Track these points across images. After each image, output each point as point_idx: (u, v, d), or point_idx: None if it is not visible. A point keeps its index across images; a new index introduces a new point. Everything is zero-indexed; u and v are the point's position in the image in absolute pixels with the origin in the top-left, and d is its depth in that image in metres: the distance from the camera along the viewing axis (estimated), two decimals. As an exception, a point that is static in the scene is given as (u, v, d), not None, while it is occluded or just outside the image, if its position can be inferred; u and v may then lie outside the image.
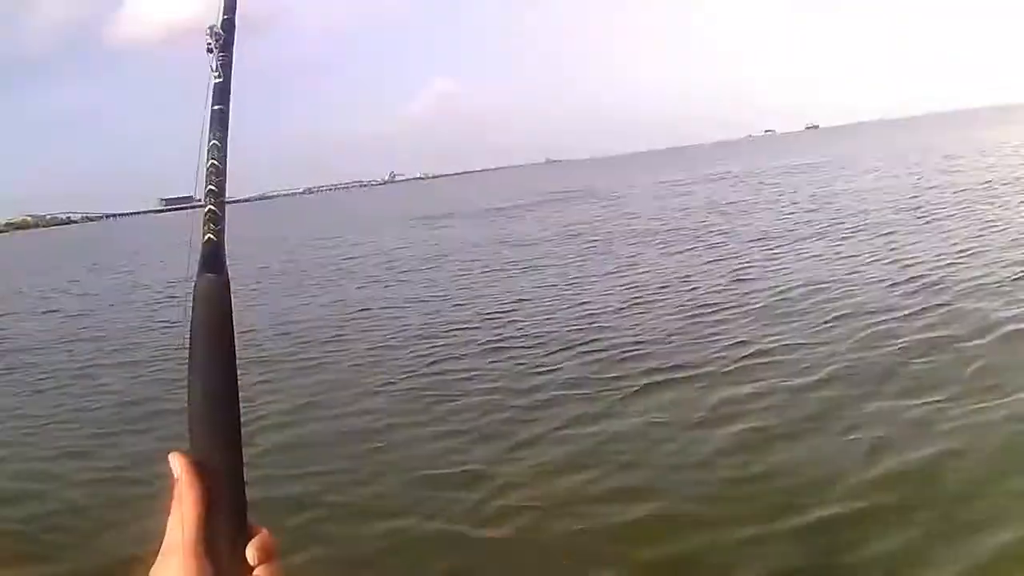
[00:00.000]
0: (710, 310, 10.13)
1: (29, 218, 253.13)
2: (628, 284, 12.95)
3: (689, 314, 10.08)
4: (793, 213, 20.86)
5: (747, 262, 13.69)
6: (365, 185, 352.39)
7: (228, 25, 1.13)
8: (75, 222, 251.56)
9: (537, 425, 6.60)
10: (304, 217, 65.16)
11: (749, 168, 49.52)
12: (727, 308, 10.09)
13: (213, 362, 0.90)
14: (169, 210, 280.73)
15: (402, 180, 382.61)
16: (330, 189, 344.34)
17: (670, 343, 8.82)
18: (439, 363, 9.08)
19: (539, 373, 8.12)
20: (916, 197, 20.46)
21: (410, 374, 8.74)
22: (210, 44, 1.10)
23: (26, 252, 62.94)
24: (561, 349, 9.01)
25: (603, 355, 8.56)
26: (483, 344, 9.76)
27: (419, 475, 5.80)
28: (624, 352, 8.57)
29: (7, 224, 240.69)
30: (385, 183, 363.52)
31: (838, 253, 13.35)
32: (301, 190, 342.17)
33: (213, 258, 0.94)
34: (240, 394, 0.90)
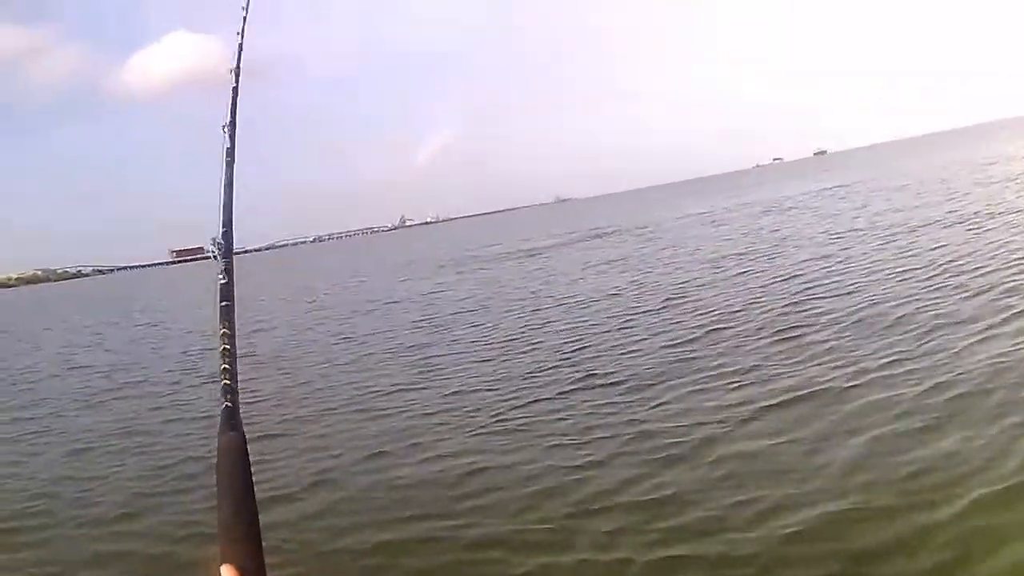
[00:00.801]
0: (805, 330, 10.52)
1: (39, 272, 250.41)
2: (708, 312, 13.10)
3: (781, 336, 10.42)
4: (845, 233, 21.17)
5: (815, 280, 14.19)
6: (376, 231, 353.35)
7: (227, 236, 1.57)
8: (86, 275, 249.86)
9: (674, 447, 6.89)
10: (328, 264, 64.65)
11: (775, 196, 49.47)
12: (819, 328, 10.46)
13: (236, 497, 1.17)
14: (179, 262, 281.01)
15: (412, 225, 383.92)
16: (339, 237, 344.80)
17: (778, 364, 9.11)
18: (527, 404, 9.11)
19: (650, 407, 8.17)
20: (955, 212, 20.92)
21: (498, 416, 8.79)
22: (213, 252, 1.51)
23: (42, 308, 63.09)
24: (658, 382, 9.12)
25: (712, 382, 8.86)
26: (573, 381, 9.81)
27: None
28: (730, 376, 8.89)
29: (17, 279, 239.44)
30: (395, 228, 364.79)
31: (904, 267, 13.83)
32: (311, 239, 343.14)
33: (230, 420, 1.23)
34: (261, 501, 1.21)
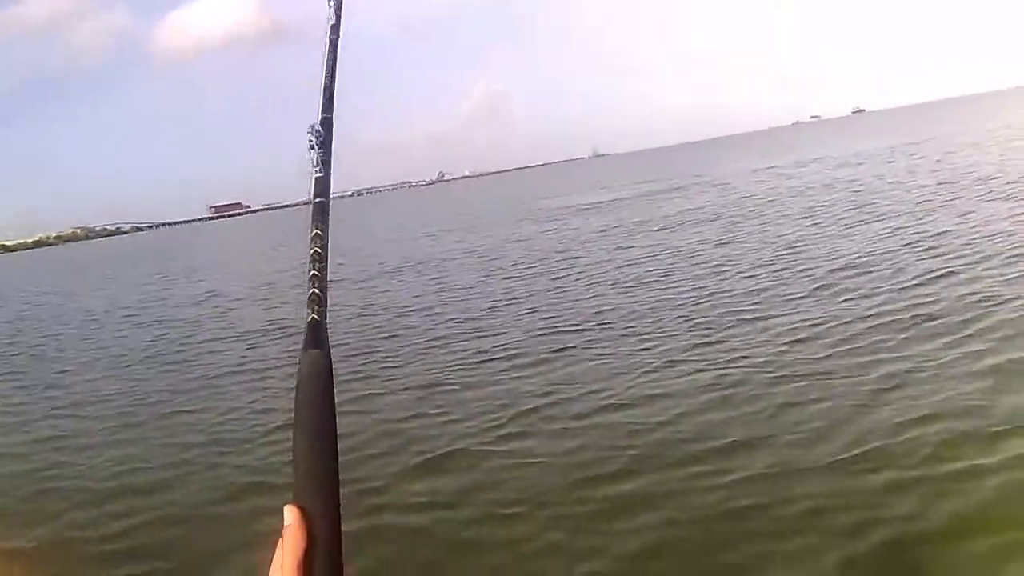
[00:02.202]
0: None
1: (79, 230, 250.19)
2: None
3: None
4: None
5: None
6: (414, 185, 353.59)
7: (326, 123, 1.28)
8: (124, 232, 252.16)
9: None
10: (411, 218, 57.59)
11: (839, 152, 48.65)
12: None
13: (317, 428, 1.02)
14: (218, 217, 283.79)
15: (451, 179, 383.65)
16: (380, 191, 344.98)
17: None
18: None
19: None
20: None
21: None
22: (311, 141, 1.25)
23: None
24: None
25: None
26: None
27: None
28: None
29: (57, 237, 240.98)
30: (434, 183, 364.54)
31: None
32: (351, 192, 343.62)
33: (316, 336, 1.07)
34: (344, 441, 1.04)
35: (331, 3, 1.43)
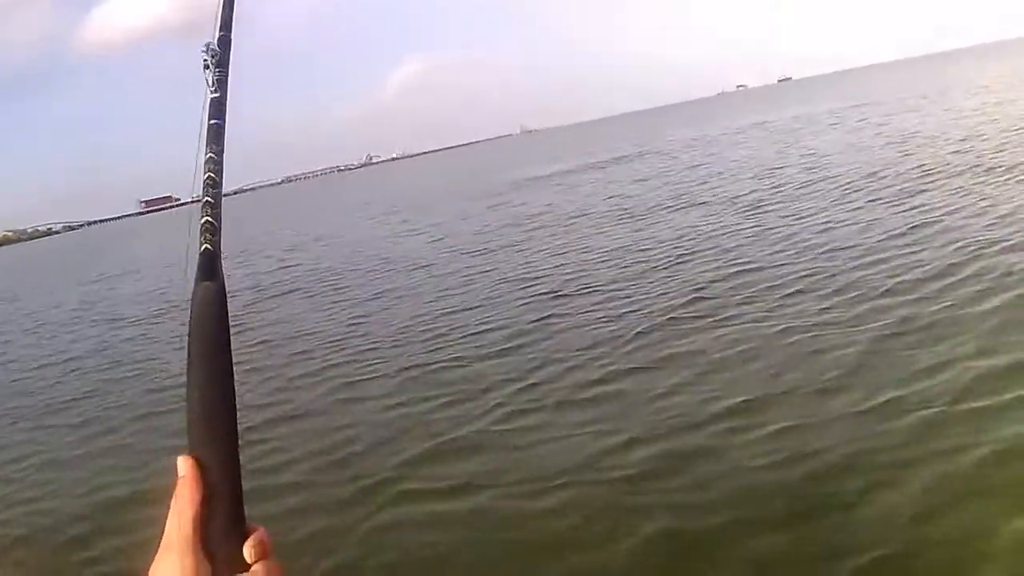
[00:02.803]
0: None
1: (11, 233, 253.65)
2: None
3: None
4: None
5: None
6: (343, 170, 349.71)
7: (224, 42, 1.21)
8: (56, 232, 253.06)
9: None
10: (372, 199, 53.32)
11: (775, 118, 49.11)
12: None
13: (211, 366, 0.94)
14: (149, 212, 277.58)
15: (379, 162, 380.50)
16: (307, 177, 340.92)
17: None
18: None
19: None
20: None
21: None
22: (207, 61, 1.17)
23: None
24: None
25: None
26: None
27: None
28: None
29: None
30: (362, 166, 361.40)
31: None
32: (279, 180, 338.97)
33: (210, 267, 0.99)
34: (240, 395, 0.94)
35: None
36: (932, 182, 14.18)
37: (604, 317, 9.41)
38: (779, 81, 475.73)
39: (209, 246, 1.00)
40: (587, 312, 9.83)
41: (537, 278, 12.66)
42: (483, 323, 10.33)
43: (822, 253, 10.47)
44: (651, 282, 10.77)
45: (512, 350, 8.83)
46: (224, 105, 1.15)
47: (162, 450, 7.32)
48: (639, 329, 8.60)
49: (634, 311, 9.44)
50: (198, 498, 0.88)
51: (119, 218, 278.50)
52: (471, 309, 11.33)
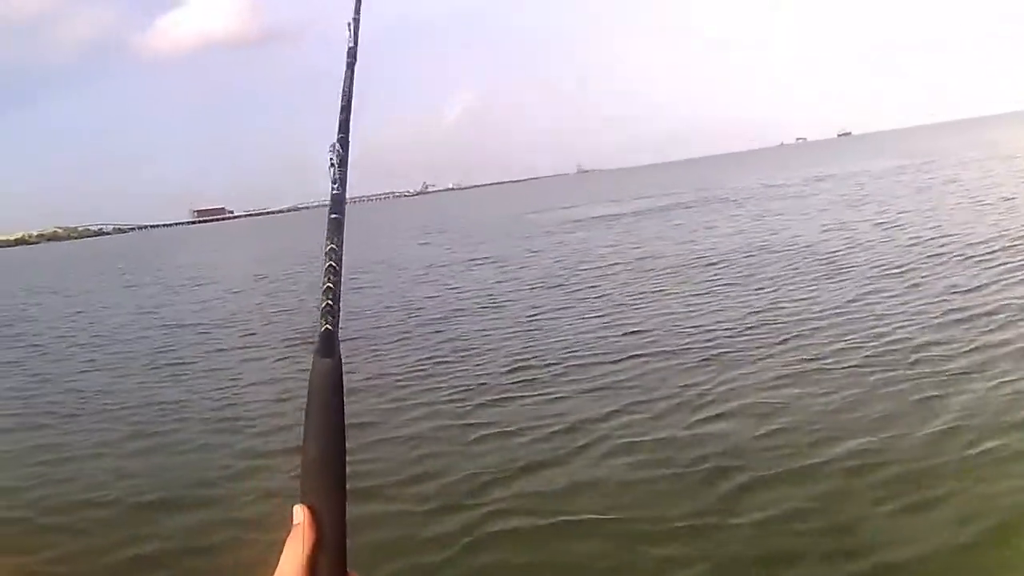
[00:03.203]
0: None
1: (60, 230, 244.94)
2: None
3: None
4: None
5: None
6: (398, 196, 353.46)
7: (343, 143, 1.32)
8: (107, 234, 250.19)
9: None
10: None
11: (843, 172, 48.79)
12: None
13: (327, 427, 1.06)
14: (201, 221, 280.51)
15: (435, 191, 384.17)
16: (363, 200, 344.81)
17: None
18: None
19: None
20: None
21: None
22: (331, 159, 1.28)
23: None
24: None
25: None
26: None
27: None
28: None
29: (38, 235, 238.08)
30: (418, 194, 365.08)
31: None
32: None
33: (328, 345, 1.10)
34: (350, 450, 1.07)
35: (350, 26, 1.48)
36: None
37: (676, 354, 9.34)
38: (839, 135, 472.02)
39: (329, 326, 1.11)
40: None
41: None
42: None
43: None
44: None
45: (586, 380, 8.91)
46: (343, 202, 1.25)
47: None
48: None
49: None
50: (311, 543, 0.98)
51: (171, 224, 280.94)
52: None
